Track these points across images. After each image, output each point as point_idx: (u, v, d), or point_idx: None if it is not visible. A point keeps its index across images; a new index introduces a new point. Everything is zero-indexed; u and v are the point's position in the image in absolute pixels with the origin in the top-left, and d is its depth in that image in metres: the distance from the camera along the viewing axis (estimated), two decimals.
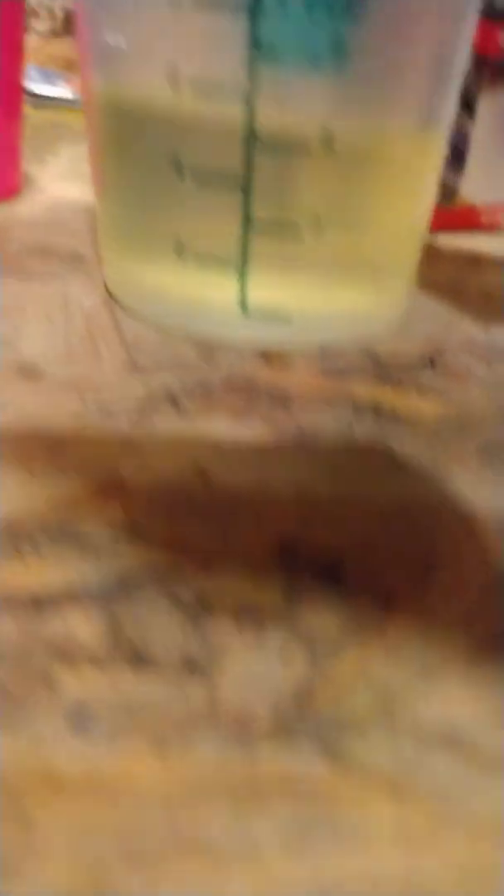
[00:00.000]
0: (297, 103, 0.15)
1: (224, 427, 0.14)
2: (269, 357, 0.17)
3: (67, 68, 0.56)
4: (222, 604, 0.10)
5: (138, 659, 0.09)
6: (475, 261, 0.24)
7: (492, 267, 0.24)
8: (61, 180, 0.31)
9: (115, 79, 0.16)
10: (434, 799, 0.08)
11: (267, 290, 0.17)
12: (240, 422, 0.14)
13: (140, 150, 0.16)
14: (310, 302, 0.17)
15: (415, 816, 0.08)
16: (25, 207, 0.26)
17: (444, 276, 0.22)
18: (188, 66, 0.14)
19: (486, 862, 0.07)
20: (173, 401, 0.15)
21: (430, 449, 0.14)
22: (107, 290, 0.19)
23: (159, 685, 0.09)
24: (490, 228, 0.27)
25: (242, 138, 0.15)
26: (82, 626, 0.10)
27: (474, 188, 0.26)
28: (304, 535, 0.11)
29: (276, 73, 0.14)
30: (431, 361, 0.17)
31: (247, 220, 0.16)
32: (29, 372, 0.15)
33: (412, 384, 0.16)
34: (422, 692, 0.09)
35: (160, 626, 0.10)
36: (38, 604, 0.10)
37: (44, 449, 0.13)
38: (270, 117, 0.14)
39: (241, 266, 0.16)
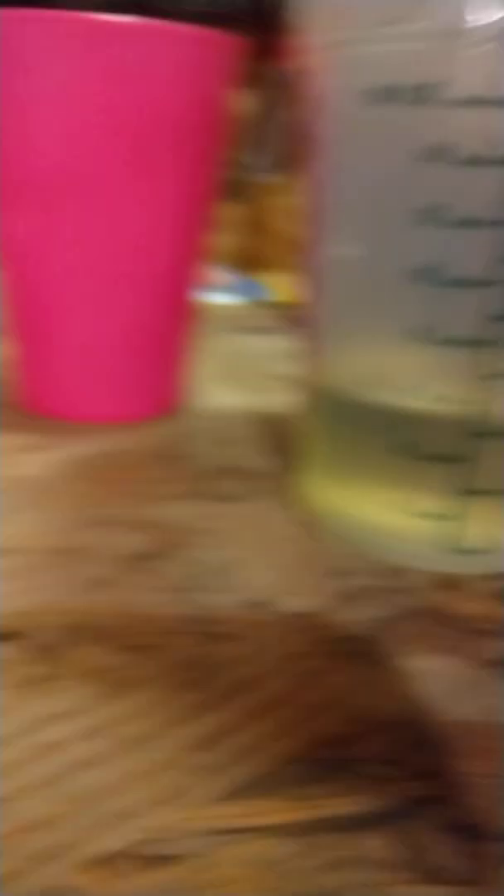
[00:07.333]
0: None
1: (425, 660, 0.17)
2: (453, 583, 0.20)
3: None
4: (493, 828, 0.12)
5: (429, 872, 0.12)
6: None
7: None
8: (218, 384, 0.33)
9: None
10: None
11: (480, 535, 0.19)
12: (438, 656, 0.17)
13: (370, 432, 0.19)
14: None
15: None
16: (192, 419, 0.29)
17: None
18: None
19: None
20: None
21: None
22: (303, 509, 0.22)
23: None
24: None
25: (475, 432, 0.17)
26: (380, 847, 0.12)
27: None
28: None
29: None
30: None
31: (469, 490, 0.18)
32: (258, 606, 0.18)
33: None
34: None
35: (442, 844, 0.12)
36: (340, 828, 0.13)
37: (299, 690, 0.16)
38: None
39: (461, 520, 0.19)
